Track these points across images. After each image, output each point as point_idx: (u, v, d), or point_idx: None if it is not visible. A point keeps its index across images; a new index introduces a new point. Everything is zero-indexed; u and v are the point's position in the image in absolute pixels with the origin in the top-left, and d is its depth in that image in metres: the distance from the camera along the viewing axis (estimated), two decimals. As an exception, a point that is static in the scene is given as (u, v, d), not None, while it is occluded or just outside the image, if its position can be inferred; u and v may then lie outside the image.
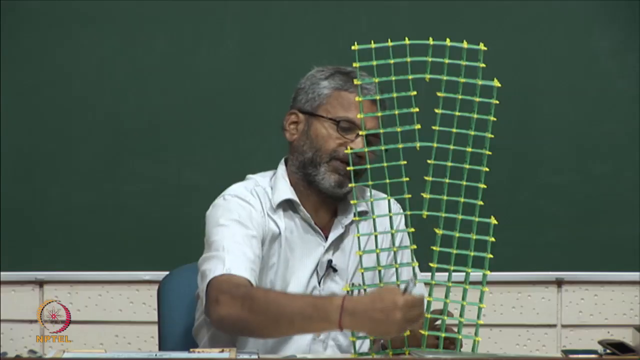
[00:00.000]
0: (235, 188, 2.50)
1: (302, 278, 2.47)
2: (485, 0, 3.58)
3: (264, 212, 2.47)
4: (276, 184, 2.51)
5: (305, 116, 2.49)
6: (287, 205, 2.50)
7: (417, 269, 2.24)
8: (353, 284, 2.38)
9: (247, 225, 2.41)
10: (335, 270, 2.48)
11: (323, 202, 2.50)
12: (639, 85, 3.57)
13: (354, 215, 2.31)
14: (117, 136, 3.59)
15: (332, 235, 2.50)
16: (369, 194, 2.27)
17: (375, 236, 2.27)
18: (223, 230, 2.40)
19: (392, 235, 2.30)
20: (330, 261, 2.48)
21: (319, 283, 2.48)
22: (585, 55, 3.59)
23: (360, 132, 2.25)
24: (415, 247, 2.23)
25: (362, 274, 2.23)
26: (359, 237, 2.27)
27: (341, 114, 2.44)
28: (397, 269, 2.24)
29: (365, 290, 2.22)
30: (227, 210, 2.43)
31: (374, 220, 2.26)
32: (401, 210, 2.46)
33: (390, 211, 2.26)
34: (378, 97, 2.21)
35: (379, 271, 2.23)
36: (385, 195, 2.24)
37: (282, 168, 2.53)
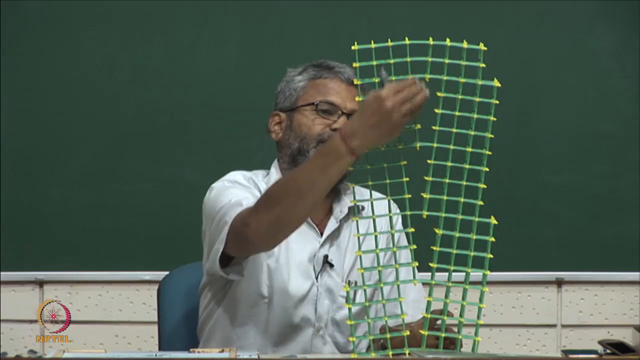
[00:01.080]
0: (234, 174, 2.53)
1: (301, 267, 2.48)
2: (486, 0, 3.58)
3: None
4: (270, 180, 2.53)
5: (287, 113, 2.54)
6: None
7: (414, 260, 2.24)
8: (350, 282, 2.38)
9: (249, 189, 2.45)
10: (331, 265, 2.49)
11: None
12: (639, 85, 3.57)
13: (354, 214, 2.31)
14: (117, 136, 3.60)
15: (327, 230, 2.52)
16: (366, 193, 2.27)
17: (373, 236, 2.27)
18: (228, 194, 2.40)
19: (391, 234, 2.30)
20: (326, 256, 2.49)
21: (317, 278, 2.49)
22: (585, 55, 3.59)
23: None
24: (415, 247, 2.22)
25: (362, 273, 2.23)
26: (358, 237, 2.27)
27: (319, 98, 2.49)
28: (396, 269, 2.23)
29: (365, 290, 2.22)
30: (229, 188, 2.45)
31: (374, 220, 2.26)
32: (397, 209, 2.45)
33: (386, 211, 2.27)
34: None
35: (378, 270, 2.23)
36: (383, 195, 2.25)
37: (275, 167, 2.56)
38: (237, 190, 2.44)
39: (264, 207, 2.23)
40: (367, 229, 2.42)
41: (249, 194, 2.43)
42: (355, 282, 2.36)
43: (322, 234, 2.52)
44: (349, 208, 2.53)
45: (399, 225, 2.52)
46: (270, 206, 2.21)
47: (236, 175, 2.53)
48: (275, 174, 2.54)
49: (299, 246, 2.49)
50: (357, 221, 2.26)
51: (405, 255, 2.38)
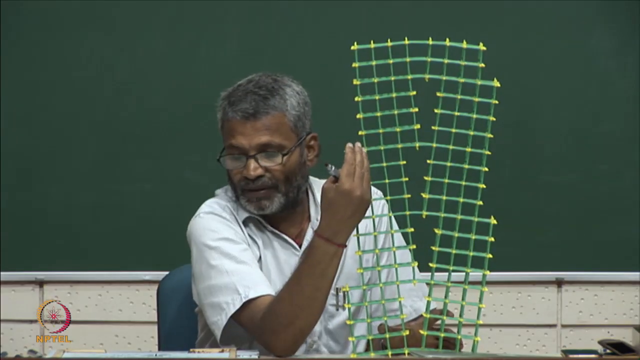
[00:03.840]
0: (209, 205, 2.48)
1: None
2: (485, 0, 3.58)
3: (242, 229, 2.46)
4: (239, 202, 2.48)
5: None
6: (256, 222, 2.48)
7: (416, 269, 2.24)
8: (337, 289, 2.38)
9: (235, 240, 2.41)
10: None
11: (287, 215, 2.48)
12: (639, 85, 3.57)
13: None
14: (118, 136, 3.60)
15: (305, 242, 2.46)
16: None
17: (366, 236, 2.27)
18: (217, 253, 2.38)
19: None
20: None
21: None
22: (585, 55, 3.59)
23: (360, 132, 2.23)
24: (414, 247, 2.23)
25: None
26: (358, 238, 2.27)
27: (226, 143, 2.43)
28: (396, 269, 2.24)
29: (364, 290, 2.22)
30: (210, 230, 2.42)
31: (373, 221, 2.26)
32: (384, 203, 2.44)
33: (377, 211, 2.29)
34: (377, 98, 2.21)
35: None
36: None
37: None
38: (223, 244, 2.39)
39: (283, 326, 2.24)
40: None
41: (231, 235, 2.40)
42: (342, 288, 2.36)
43: (300, 247, 2.47)
44: None
45: (385, 221, 2.48)
46: (289, 324, 2.23)
47: (212, 206, 2.48)
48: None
49: (280, 266, 2.45)
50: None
51: (406, 254, 2.37)
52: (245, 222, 2.46)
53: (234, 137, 2.41)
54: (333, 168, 2.19)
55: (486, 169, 2.19)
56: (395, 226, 2.38)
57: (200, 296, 2.40)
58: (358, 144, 2.20)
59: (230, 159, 2.43)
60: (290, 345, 2.25)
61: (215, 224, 2.43)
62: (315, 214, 2.49)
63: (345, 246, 2.22)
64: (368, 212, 2.23)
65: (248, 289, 2.32)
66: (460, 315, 2.20)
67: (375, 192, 2.37)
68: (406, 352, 2.19)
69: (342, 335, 2.46)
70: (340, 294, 2.35)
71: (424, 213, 2.19)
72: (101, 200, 3.59)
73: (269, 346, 2.27)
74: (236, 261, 2.37)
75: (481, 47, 2.16)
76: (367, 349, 2.24)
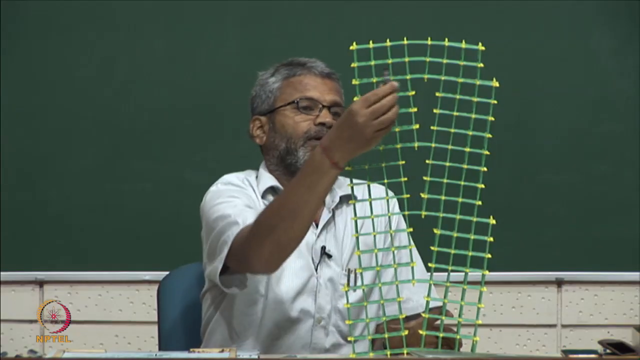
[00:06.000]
0: (227, 177, 2.55)
1: (296, 264, 2.48)
2: (485, 0, 3.58)
3: (259, 200, 2.50)
4: (260, 177, 2.55)
5: (267, 116, 2.56)
6: (274, 193, 2.52)
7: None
8: (349, 270, 2.38)
9: (245, 201, 2.44)
10: (329, 256, 2.49)
11: None
12: (639, 85, 3.57)
13: (349, 199, 2.31)
14: (117, 136, 3.60)
15: (322, 221, 2.52)
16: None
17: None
18: (224, 205, 2.42)
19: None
20: (323, 247, 2.50)
21: (316, 270, 2.50)
22: (585, 55, 3.59)
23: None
24: (414, 246, 2.23)
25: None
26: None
27: (297, 95, 2.52)
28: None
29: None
30: (224, 192, 2.47)
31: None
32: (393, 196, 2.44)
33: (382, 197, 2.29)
34: (377, 96, 2.21)
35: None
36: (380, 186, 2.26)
37: (264, 168, 2.58)
38: (233, 198, 2.44)
39: (262, 236, 2.24)
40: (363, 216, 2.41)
41: (244, 199, 2.44)
42: (355, 270, 2.37)
43: (317, 226, 2.53)
44: (341, 197, 2.56)
45: (396, 208, 2.49)
46: (268, 234, 2.22)
47: (230, 177, 2.55)
48: (265, 175, 2.55)
49: None
50: (354, 204, 2.24)
51: (405, 239, 2.37)
52: (264, 195, 2.52)
53: (309, 90, 2.53)
54: (387, 73, 2.14)
55: (485, 169, 2.19)
56: (404, 225, 2.39)
57: (209, 235, 2.41)
58: (395, 98, 2.14)
59: (294, 110, 2.50)
60: (265, 258, 2.24)
61: (231, 192, 2.47)
62: (329, 197, 2.54)
63: (341, 169, 2.18)
64: (367, 212, 2.22)
65: (245, 219, 2.34)
66: (460, 316, 2.20)
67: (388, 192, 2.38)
68: (405, 352, 2.19)
69: (352, 315, 2.46)
70: (352, 275, 2.36)
71: (423, 213, 2.19)
72: (101, 200, 3.59)
73: (248, 263, 2.27)
74: (239, 209, 2.39)
75: (480, 47, 2.16)
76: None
